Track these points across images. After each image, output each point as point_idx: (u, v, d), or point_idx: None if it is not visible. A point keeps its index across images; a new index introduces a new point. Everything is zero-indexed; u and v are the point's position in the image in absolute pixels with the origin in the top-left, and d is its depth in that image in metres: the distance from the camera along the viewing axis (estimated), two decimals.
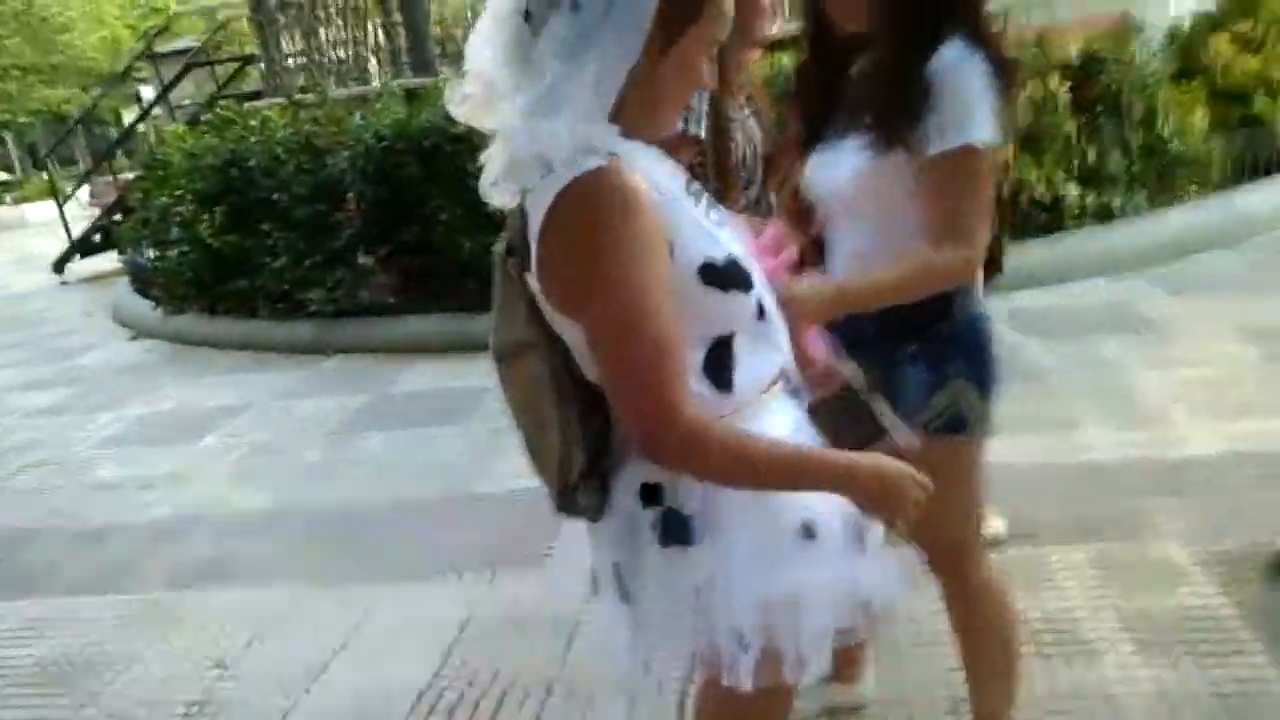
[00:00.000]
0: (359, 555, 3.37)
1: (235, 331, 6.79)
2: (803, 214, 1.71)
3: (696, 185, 1.25)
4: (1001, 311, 4.75)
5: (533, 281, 1.18)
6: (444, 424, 4.57)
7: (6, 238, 18.20)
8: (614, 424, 1.23)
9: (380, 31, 9.03)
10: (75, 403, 5.98)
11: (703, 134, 2.15)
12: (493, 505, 3.62)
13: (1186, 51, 6.98)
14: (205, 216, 6.68)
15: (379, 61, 9.33)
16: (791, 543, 1.22)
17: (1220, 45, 6.80)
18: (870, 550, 1.31)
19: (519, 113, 1.11)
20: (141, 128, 12.96)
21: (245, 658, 2.82)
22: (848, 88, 1.64)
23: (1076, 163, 5.57)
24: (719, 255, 1.16)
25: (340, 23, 8.96)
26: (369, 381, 5.50)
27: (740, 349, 1.21)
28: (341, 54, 9.07)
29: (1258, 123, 6.51)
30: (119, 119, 23.27)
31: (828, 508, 1.27)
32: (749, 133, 2.32)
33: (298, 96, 7.36)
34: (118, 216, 10.55)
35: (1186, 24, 7.35)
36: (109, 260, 10.75)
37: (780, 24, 1.30)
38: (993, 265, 2.60)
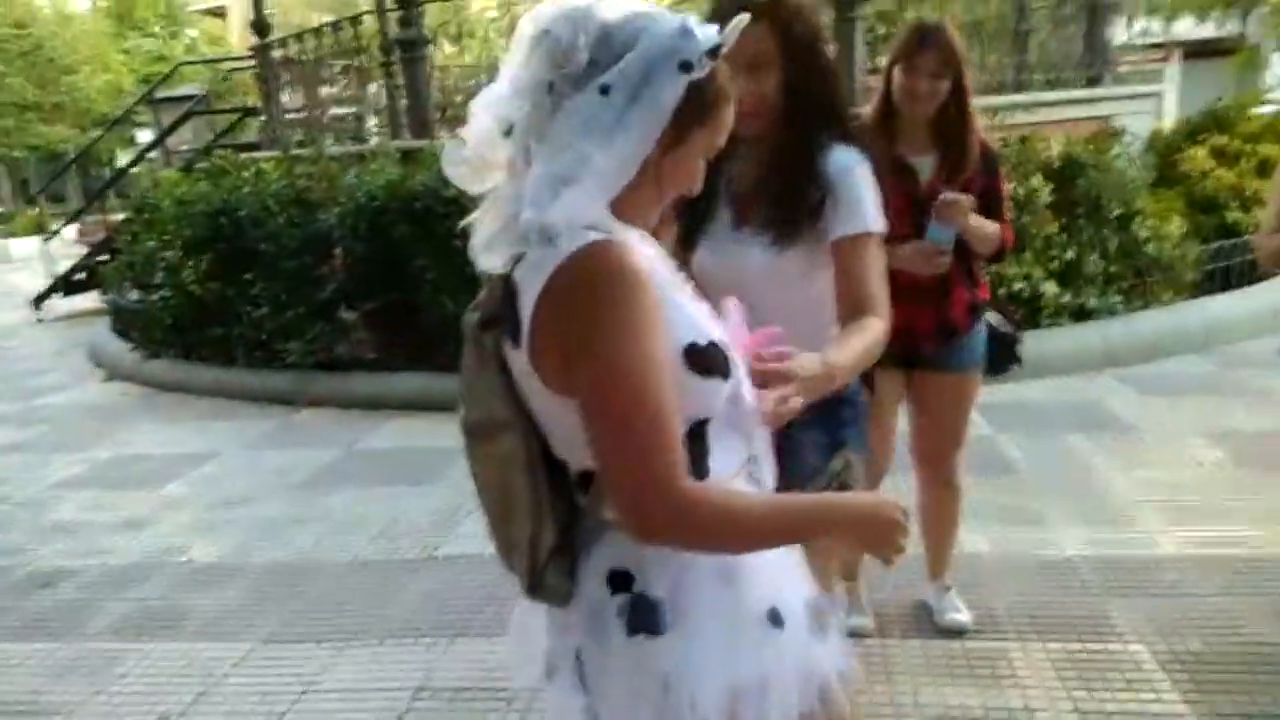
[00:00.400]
0: (315, 614, 3.30)
1: (210, 378, 6.74)
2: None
3: (683, 270, 1.26)
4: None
5: (516, 356, 1.17)
6: (412, 483, 4.53)
7: None
8: (582, 508, 1.23)
9: (382, 92, 9.17)
10: (39, 442, 5.89)
11: None
12: (457, 568, 3.57)
13: (1165, 160, 7.21)
14: (191, 263, 6.68)
15: (378, 122, 9.46)
16: (759, 630, 1.21)
17: (1198, 156, 7.03)
18: (830, 634, 1.30)
19: (534, 180, 1.12)
20: (136, 170, 13.04)
21: (190, 714, 2.74)
22: (722, 184, 1.79)
23: (1055, 262, 5.68)
24: (701, 338, 1.17)
25: (343, 82, 9.10)
26: (339, 436, 5.45)
27: (712, 435, 1.21)
28: (341, 111, 9.20)
29: (1232, 233, 6.70)
30: (113, 161, 23.42)
31: (792, 592, 1.27)
32: None
33: (295, 151, 7.43)
34: (104, 256, 10.53)
35: (1166, 132, 7.61)
36: (90, 299, 10.70)
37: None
38: (1011, 358, 2.74)
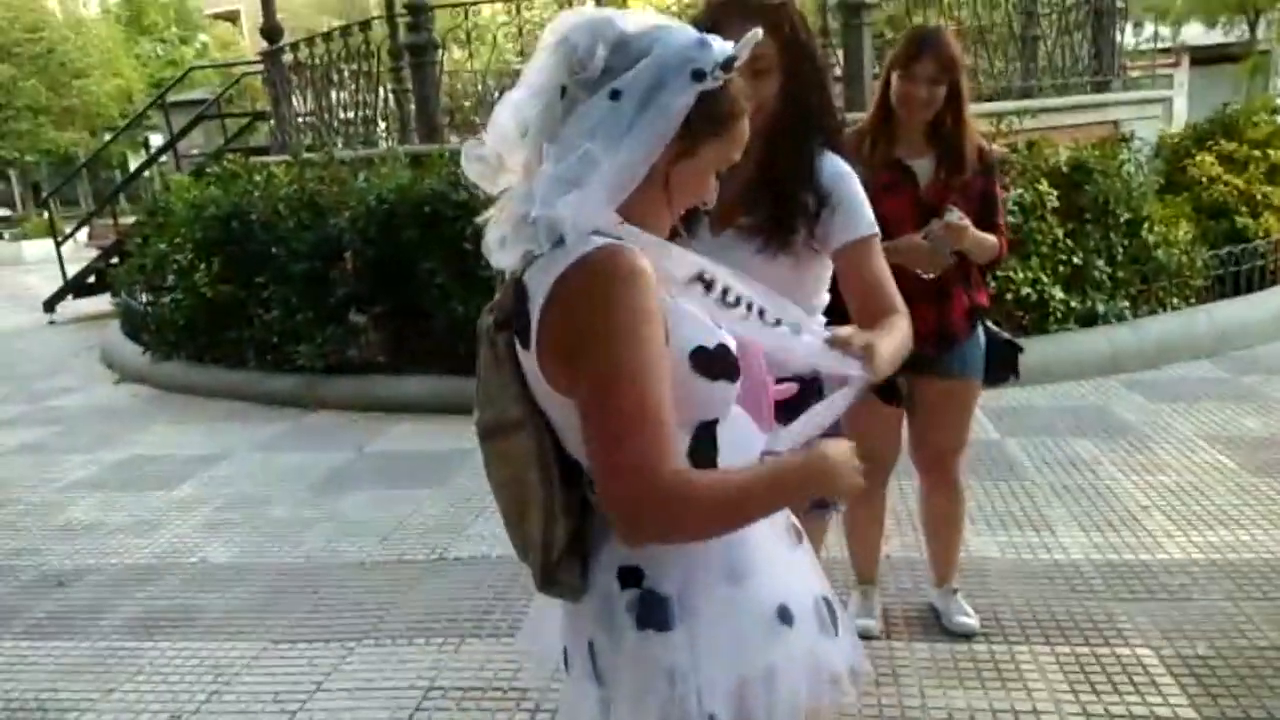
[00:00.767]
0: (327, 614, 3.33)
1: (221, 380, 6.78)
2: None
3: (708, 273, 1.25)
4: (982, 408, 4.82)
5: (527, 358, 1.19)
6: (423, 485, 4.56)
7: (1, 274, 18.22)
8: (594, 506, 1.25)
9: (391, 97, 9.22)
10: (51, 443, 5.93)
11: None
12: (465, 570, 3.59)
13: (1173, 166, 7.21)
14: (202, 265, 6.74)
15: (387, 126, 9.50)
16: (768, 627, 1.23)
17: (1205, 162, 7.03)
18: (841, 631, 1.32)
19: (543, 179, 1.15)
20: (147, 174, 13.12)
21: (202, 713, 2.77)
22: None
23: (1062, 267, 5.69)
24: (710, 342, 1.18)
25: (352, 87, 9.15)
26: (351, 438, 5.49)
27: (722, 436, 1.23)
28: (351, 116, 9.25)
29: (1240, 239, 6.69)
30: (125, 164, 23.56)
31: (803, 589, 1.29)
32: None
33: (305, 155, 7.48)
34: (115, 259, 10.60)
35: (1174, 138, 7.60)
36: (101, 302, 10.77)
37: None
38: (1008, 368, 2.76)
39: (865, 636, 2.79)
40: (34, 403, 7.12)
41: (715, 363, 1.18)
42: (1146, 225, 6.03)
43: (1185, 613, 2.92)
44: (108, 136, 21.01)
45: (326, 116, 9.30)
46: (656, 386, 1.10)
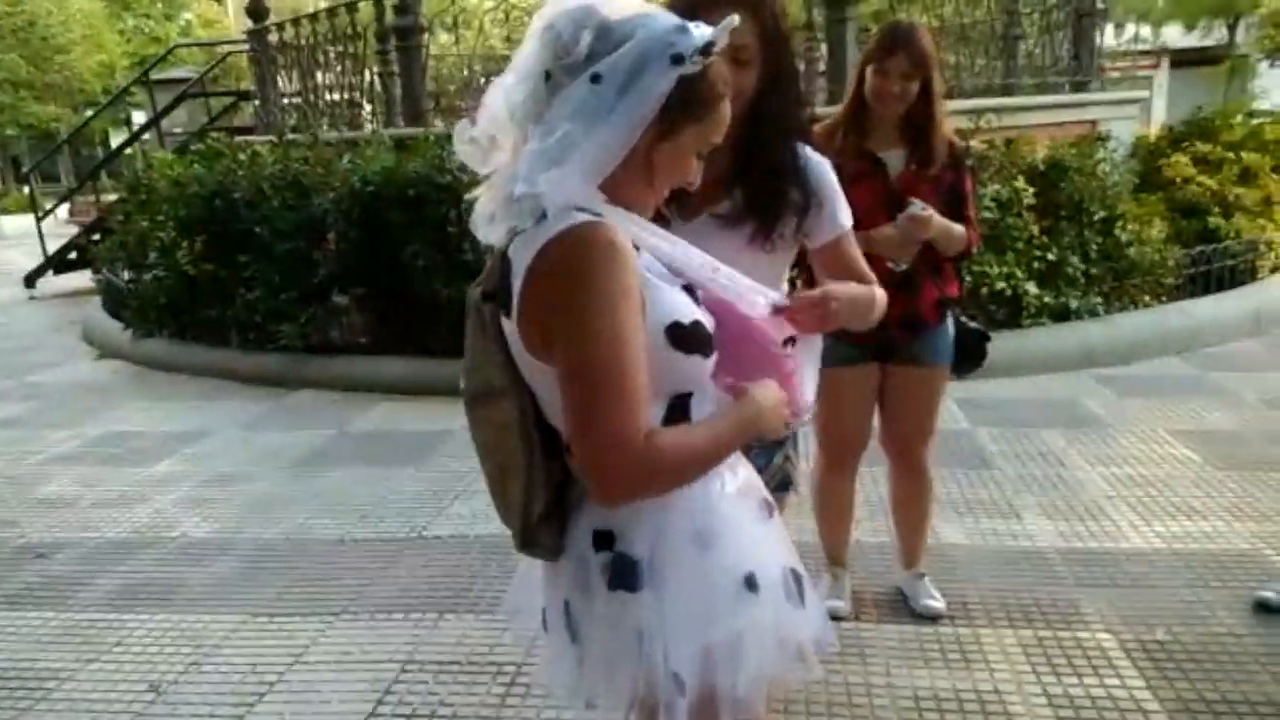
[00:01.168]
0: (305, 589, 3.37)
1: (203, 358, 6.78)
2: None
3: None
4: (954, 398, 4.91)
5: (509, 326, 1.26)
6: (402, 465, 4.60)
7: None
8: (572, 472, 1.31)
9: (376, 80, 9.20)
10: (31, 418, 5.93)
11: None
12: (444, 548, 3.64)
13: (1149, 166, 7.33)
14: (185, 243, 6.72)
15: (373, 109, 9.49)
16: (735, 593, 1.29)
17: (1180, 163, 7.14)
18: (808, 602, 1.38)
19: (526, 156, 1.20)
20: (129, 151, 13.01)
21: (180, 683, 2.80)
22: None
23: (1037, 263, 5.78)
24: (685, 318, 1.24)
25: (338, 68, 9.12)
26: (331, 418, 5.51)
27: (695, 408, 1.29)
28: (336, 98, 9.22)
29: (1212, 238, 6.81)
30: (107, 140, 23.32)
31: (771, 560, 1.35)
32: None
33: (289, 135, 7.47)
34: (96, 236, 10.53)
35: (1151, 138, 7.71)
36: (82, 278, 10.71)
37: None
38: (975, 358, 2.84)
39: (835, 617, 2.86)
40: (14, 377, 7.10)
41: (690, 338, 1.23)
42: (1121, 223, 6.14)
43: (1145, 599, 3.00)
44: (90, 112, 20.79)
45: (312, 98, 9.26)
46: (632, 356, 1.15)
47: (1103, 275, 6.08)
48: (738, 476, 1.38)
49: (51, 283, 11.46)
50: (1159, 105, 21.95)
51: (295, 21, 9.35)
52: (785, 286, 1.91)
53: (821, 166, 1.76)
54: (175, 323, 7.08)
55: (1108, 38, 9.70)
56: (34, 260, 11.73)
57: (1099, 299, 6.03)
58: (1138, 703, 2.48)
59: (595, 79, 1.18)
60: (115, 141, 17.80)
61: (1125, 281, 6.19)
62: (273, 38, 9.48)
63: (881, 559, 3.27)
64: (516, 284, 1.22)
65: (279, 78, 9.54)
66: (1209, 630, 2.81)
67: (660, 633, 1.26)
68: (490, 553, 3.52)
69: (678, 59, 1.18)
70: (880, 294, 1.71)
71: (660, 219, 1.32)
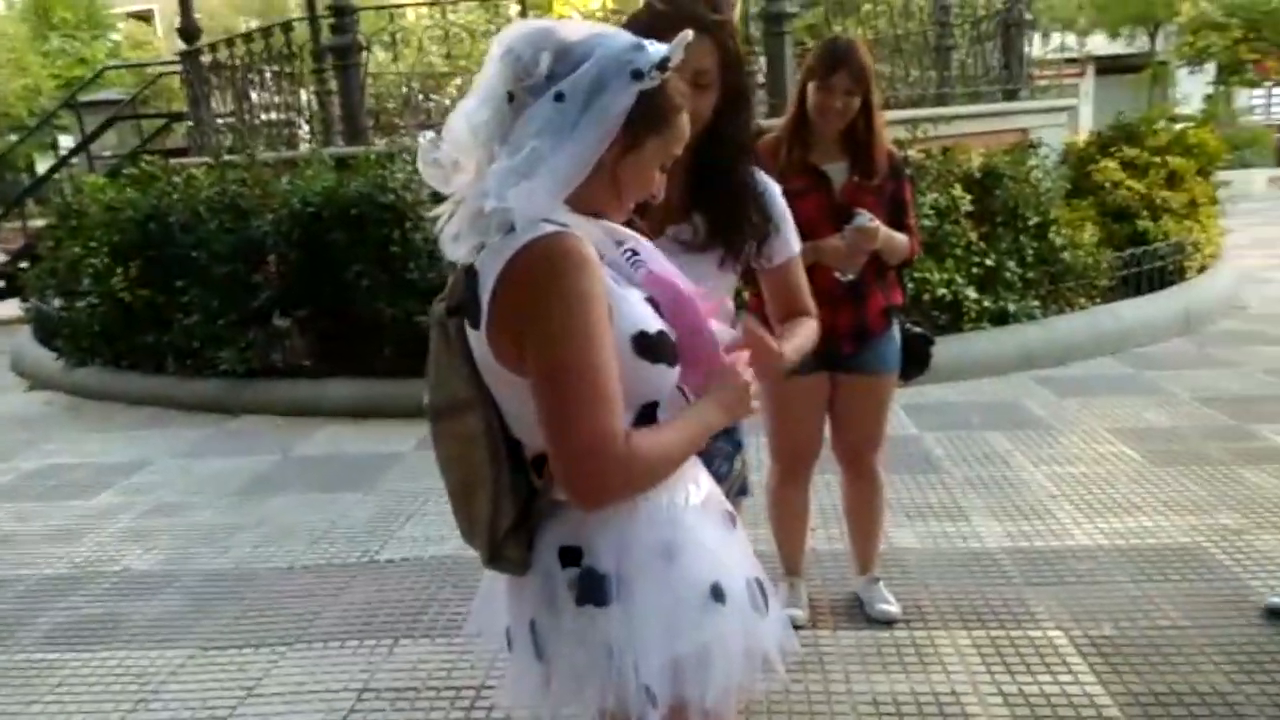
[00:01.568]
0: (254, 619, 3.30)
1: (140, 386, 6.61)
2: None
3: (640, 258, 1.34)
4: (901, 404, 4.98)
5: (476, 338, 1.26)
6: (351, 489, 4.53)
7: None
8: (538, 488, 1.31)
9: (314, 99, 9.09)
10: None
11: None
12: (396, 572, 3.59)
13: (1079, 171, 7.53)
14: (119, 269, 6.56)
15: (310, 128, 9.37)
16: (702, 605, 1.29)
17: (1109, 168, 7.35)
18: (771, 610, 1.39)
19: (495, 174, 1.22)
20: (57, 176, 12.67)
21: None
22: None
23: (976, 269, 5.91)
24: (650, 328, 1.26)
25: (274, 88, 8.99)
26: (274, 444, 5.41)
27: (662, 418, 1.30)
28: (272, 117, 9.08)
29: (1142, 241, 7.02)
30: (32, 166, 22.67)
31: (736, 570, 1.36)
32: None
33: (225, 157, 7.34)
34: (24, 264, 10.23)
35: (1080, 144, 7.92)
36: (10, 307, 10.37)
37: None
38: (920, 362, 2.90)
39: (793, 626, 2.88)
40: None
41: (656, 347, 1.26)
42: (1054, 228, 6.30)
43: (1092, 596, 3.07)
44: (14, 138, 20.21)
45: (247, 118, 9.12)
46: (605, 358, 1.17)
47: (1039, 279, 6.23)
48: (701, 489, 1.39)
49: None
50: (1085, 112, 22.65)
51: (229, 42, 9.20)
52: (731, 304, 1.94)
53: (773, 190, 1.81)
54: (110, 350, 6.89)
55: (1035, 47, 9.96)
56: None
57: (1036, 302, 6.18)
58: (1090, 698, 2.53)
59: (559, 97, 1.20)
60: (42, 167, 17.32)
61: (1060, 285, 6.36)
62: (206, 58, 9.32)
63: (836, 566, 3.31)
64: (485, 295, 1.23)
65: (213, 99, 9.38)
66: (1154, 624, 2.88)
67: (630, 646, 1.26)
68: (445, 575, 3.48)
69: (637, 75, 1.21)
70: (814, 325, 1.82)
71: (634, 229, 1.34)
